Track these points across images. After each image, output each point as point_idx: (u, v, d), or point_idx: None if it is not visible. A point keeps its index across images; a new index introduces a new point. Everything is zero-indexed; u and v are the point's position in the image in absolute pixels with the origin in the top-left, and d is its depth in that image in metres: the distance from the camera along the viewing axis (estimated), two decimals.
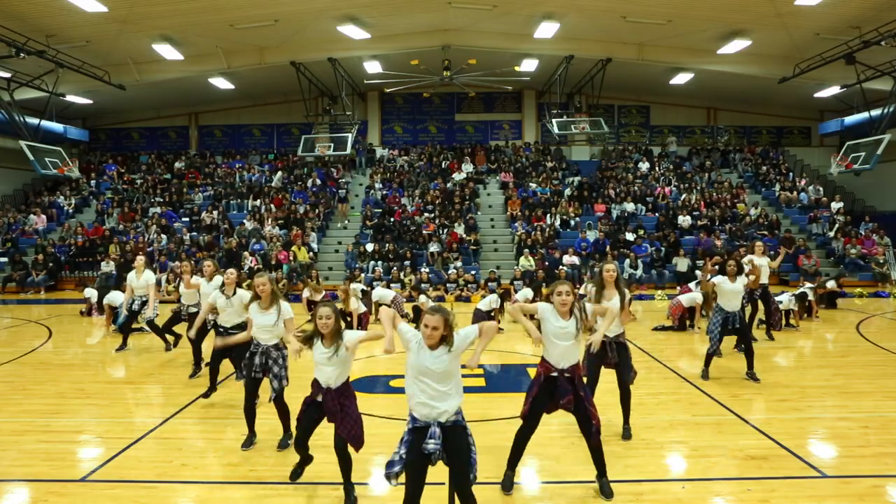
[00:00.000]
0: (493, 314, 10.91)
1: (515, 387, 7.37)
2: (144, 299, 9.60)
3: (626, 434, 5.65)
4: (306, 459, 4.66)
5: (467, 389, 6.76)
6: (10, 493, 4.61)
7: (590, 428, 4.48)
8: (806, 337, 10.53)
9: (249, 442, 5.49)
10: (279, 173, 23.39)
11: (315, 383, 4.44)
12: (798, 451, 5.17)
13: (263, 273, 5.65)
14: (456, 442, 3.66)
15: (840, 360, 8.93)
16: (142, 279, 9.52)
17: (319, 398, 4.41)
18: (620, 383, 5.66)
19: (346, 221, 20.94)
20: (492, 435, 5.60)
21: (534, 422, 4.62)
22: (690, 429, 5.82)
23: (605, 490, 4.47)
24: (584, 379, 4.94)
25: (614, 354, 5.58)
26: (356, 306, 10.93)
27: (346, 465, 4.40)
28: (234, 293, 6.63)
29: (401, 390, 6.08)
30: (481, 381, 7.62)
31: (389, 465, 3.67)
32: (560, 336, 4.47)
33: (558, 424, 5.78)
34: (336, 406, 4.34)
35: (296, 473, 4.67)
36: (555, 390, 4.51)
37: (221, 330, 6.61)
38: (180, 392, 7.25)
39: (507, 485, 4.60)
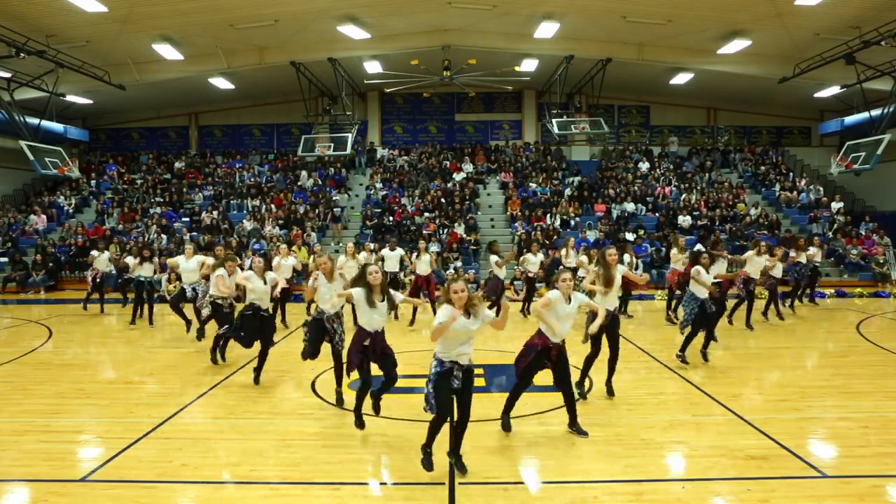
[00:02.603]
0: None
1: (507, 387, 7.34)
2: (194, 286, 10.11)
3: (610, 391, 6.70)
4: (372, 396, 5.76)
5: None
6: (10, 493, 4.60)
7: (567, 381, 5.56)
8: (806, 337, 10.53)
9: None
10: (305, 175, 23.30)
11: (361, 330, 5.48)
12: (798, 451, 5.17)
13: (324, 252, 7.07)
14: (470, 381, 4.79)
15: (840, 360, 8.92)
16: (192, 262, 10.19)
17: (367, 342, 5.47)
18: (611, 348, 6.64)
19: (340, 241, 20.51)
20: (492, 435, 5.60)
21: (529, 382, 5.61)
22: (690, 429, 5.82)
23: (581, 432, 5.53)
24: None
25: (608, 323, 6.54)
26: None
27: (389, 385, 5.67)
28: (265, 281, 7.48)
29: (401, 390, 6.10)
30: (481, 381, 7.62)
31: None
32: (563, 317, 5.49)
33: (559, 424, 5.79)
34: (379, 347, 5.51)
35: (376, 408, 5.81)
36: (548, 358, 5.51)
37: (263, 311, 7.44)
38: (181, 391, 7.25)
39: (506, 426, 5.69)
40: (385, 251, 12.77)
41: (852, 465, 4.96)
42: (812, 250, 12.97)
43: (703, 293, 7.93)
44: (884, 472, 4.82)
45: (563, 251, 13.46)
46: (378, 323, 5.51)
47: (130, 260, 12.15)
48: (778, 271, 11.57)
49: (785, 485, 4.58)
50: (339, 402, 6.50)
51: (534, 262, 12.58)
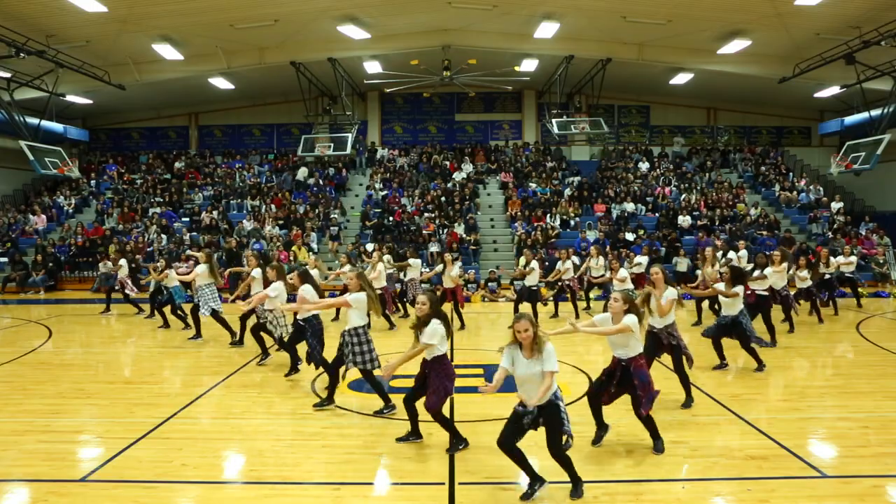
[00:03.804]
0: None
1: (515, 387, 7.33)
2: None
3: (688, 403, 6.45)
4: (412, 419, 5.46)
5: (467, 389, 6.80)
6: (10, 493, 4.60)
7: (638, 404, 5.16)
8: (806, 337, 10.52)
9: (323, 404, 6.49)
10: (304, 171, 23.29)
11: None
12: (798, 451, 5.17)
13: (354, 269, 6.69)
14: (549, 414, 4.34)
15: (840, 360, 8.93)
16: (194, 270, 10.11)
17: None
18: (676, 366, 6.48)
19: (336, 255, 20.12)
20: (492, 435, 5.56)
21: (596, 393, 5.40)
22: (690, 429, 5.82)
23: (659, 447, 5.21)
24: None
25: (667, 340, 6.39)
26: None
27: (445, 424, 5.22)
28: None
29: (398, 390, 6.09)
30: (482, 381, 7.60)
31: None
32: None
33: None
34: (421, 374, 5.27)
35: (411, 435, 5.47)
36: (612, 378, 5.25)
37: (301, 324, 7.22)
38: (180, 391, 7.25)
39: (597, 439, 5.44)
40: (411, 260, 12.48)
41: (852, 465, 4.96)
42: (840, 259, 12.91)
43: (729, 310, 7.80)
44: (884, 472, 4.82)
45: (592, 260, 13.44)
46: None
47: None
48: (807, 283, 11.35)
49: (785, 485, 4.58)
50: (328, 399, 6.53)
51: (569, 268, 12.55)
